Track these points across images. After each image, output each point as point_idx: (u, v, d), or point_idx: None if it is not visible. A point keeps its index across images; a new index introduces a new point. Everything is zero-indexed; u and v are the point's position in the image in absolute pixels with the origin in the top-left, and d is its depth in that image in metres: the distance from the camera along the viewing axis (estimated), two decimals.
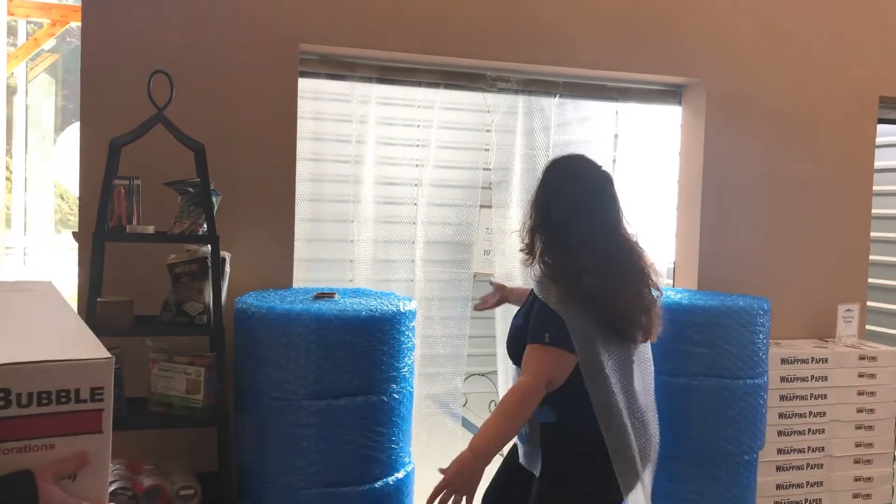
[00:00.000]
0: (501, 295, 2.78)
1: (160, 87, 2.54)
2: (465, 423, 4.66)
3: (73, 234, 3.04)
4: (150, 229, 2.54)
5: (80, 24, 8.81)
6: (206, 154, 2.53)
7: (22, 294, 1.43)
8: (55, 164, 9.01)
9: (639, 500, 2.18)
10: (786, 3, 3.62)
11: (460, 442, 4.12)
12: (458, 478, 1.95)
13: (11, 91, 8.43)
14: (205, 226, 2.56)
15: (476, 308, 2.85)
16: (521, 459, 2.31)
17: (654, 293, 2.22)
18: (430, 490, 2.01)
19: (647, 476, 2.20)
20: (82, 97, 2.78)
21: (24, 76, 8.80)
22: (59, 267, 10.29)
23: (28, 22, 8.69)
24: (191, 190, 2.58)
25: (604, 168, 2.26)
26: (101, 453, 0.95)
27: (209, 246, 2.59)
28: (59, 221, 11.92)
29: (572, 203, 2.15)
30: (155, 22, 2.83)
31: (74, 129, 9.17)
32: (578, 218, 2.13)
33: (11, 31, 8.27)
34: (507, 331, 2.38)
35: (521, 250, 2.27)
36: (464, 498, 1.95)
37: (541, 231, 2.19)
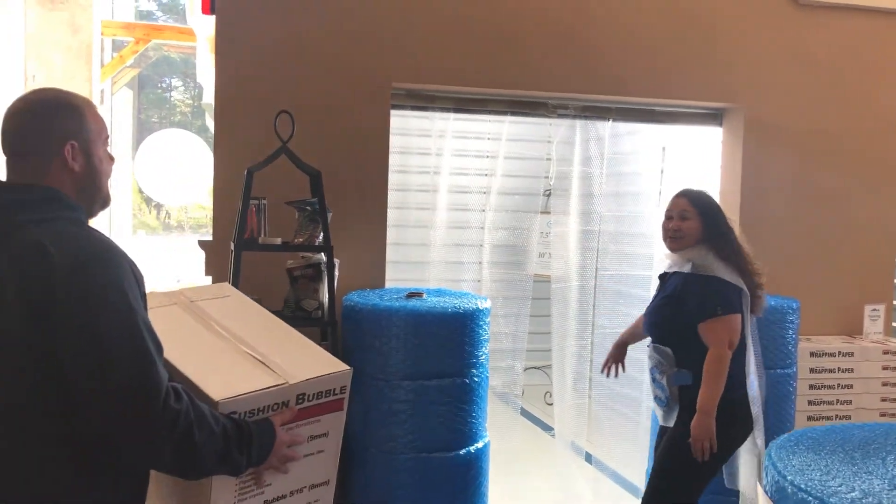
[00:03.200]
0: (621, 347, 3.36)
1: (282, 124, 3.09)
2: (523, 412, 5.16)
3: (200, 242, 3.63)
4: (278, 241, 3.09)
5: (160, 41, 9.47)
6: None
7: (224, 301, 1.98)
8: (137, 171, 9.73)
9: (759, 439, 2.94)
10: (818, 35, 4.04)
11: (519, 428, 4.62)
12: (704, 433, 2.71)
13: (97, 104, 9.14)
14: (320, 237, 3.11)
15: (603, 370, 3.38)
16: (661, 420, 2.99)
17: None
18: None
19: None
20: (217, 131, 3.35)
21: (110, 90, 9.53)
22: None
23: (113, 40, 9.43)
24: (308, 208, 3.12)
25: None
26: (341, 422, 1.56)
27: (321, 253, 3.14)
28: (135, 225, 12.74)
29: (723, 214, 3.01)
30: (277, 71, 3.39)
31: (154, 140, 9.89)
32: (727, 224, 2.99)
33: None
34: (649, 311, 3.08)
35: (676, 248, 2.98)
36: (709, 440, 2.71)
37: (710, 229, 2.94)
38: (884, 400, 3.98)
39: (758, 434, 2.95)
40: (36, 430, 1.38)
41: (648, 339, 3.06)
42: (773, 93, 4.01)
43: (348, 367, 1.68)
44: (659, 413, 3.01)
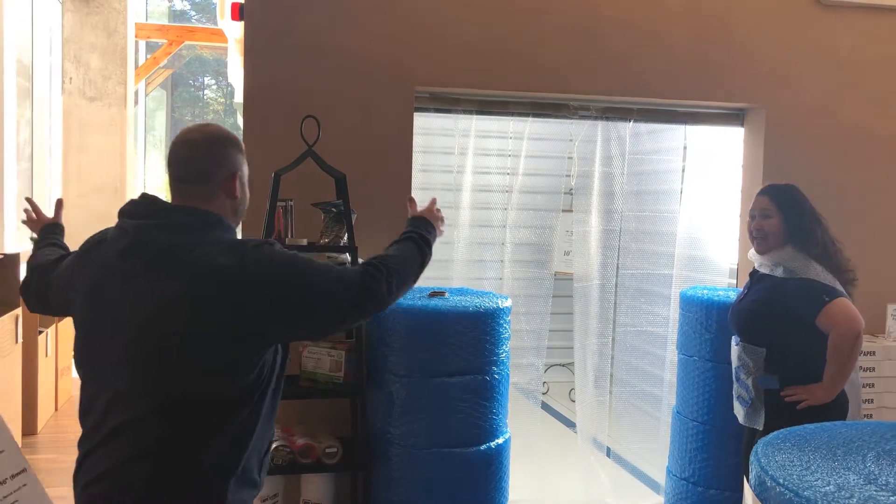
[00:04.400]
0: None
1: (308, 127, 3.19)
2: (545, 407, 5.23)
3: None
4: (304, 241, 3.19)
5: (193, 42, 9.65)
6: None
7: None
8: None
9: None
10: (840, 34, 4.05)
11: (541, 424, 4.69)
12: (815, 397, 2.75)
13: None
14: (345, 238, 3.20)
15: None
16: (742, 420, 2.99)
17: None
18: None
19: None
20: (245, 135, 3.46)
21: (144, 91, 9.74)
22: None
23: (147, 42, 9.64)
24: (333, 210, 3.22)
25: None
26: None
27: (346, 254, 3.24)
28: None
29: (808, 210, 2.95)
30: (302, 76, 3.50)
31: None
32: (813, 220, 2.92)
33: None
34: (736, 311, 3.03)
35: (761, 249, 2.96)
36: (807, 400, 2.75)
37: (793, 226, 2.89)
38: None
39: None
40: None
41: (736, 338, 3.04)
42: (795, 93, 4.03)
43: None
44: (740, 412, 3.02)
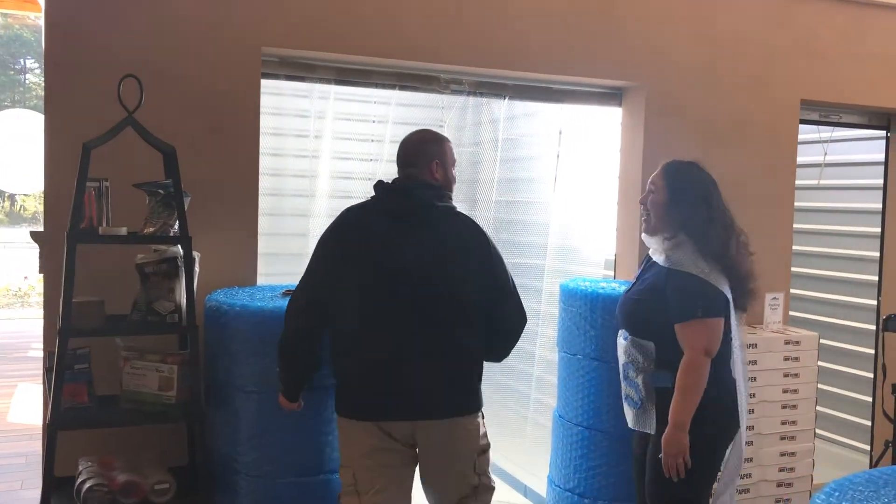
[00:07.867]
0: None
1: (128, 90, 2.58)
2: None
3: (32, 233, 3.05)
4: (123, 231, 2.58)
5: (3, 10, 8.52)
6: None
7: None
8: None
9: (739, 449, 2.64)
10: (719, 13, 3.87)
11: None
12: (676, 448, 2.45)
13: None
14: (175, 226, 2.62)
15: None
16: (631, 423, 2.67)
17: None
18: None
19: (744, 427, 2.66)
20: (47, 100, 2.79)
21: None
22: None
23: None
24: (161, 192, 2.63)
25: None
26: None
27: (178, 246, 2.65)
28: None
29: (704, 193, 2.63)
30: (121, 26, 2.86)
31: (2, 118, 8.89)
32: (705, 207, 2.61)
33: None
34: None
35: (646, 229, 2.69)
36: (682, 457, 2.46)
37: (683, 216, 2.59)
38: (784, 392, 3.87)
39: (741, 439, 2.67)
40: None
41: (623, 332, 2.72)
42: (675, 72, 3.81)
43: None
44: (629, 414, 2.70)
